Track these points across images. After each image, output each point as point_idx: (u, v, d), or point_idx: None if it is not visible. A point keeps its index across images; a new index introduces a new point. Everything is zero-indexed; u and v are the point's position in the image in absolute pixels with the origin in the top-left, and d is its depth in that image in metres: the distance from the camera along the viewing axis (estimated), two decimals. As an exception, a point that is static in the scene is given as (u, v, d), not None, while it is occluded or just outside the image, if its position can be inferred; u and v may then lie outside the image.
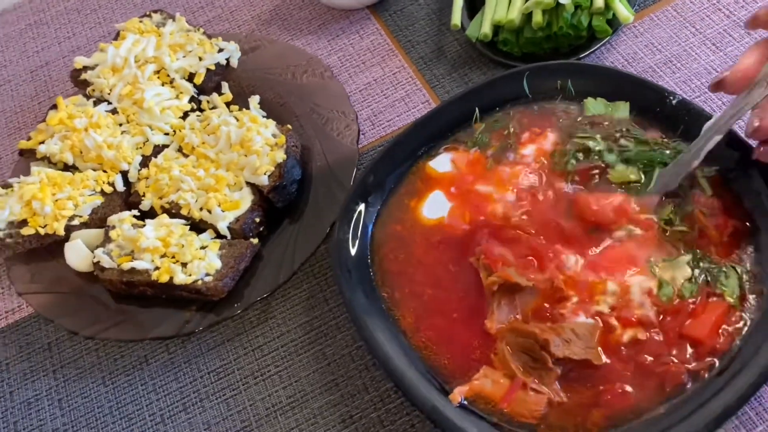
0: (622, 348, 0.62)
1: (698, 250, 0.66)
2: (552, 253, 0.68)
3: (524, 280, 0.65)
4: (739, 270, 0.65)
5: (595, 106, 0.77)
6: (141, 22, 0.95)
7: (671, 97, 0.73)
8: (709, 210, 0.67)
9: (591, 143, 0.73)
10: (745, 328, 0.62)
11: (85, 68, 0.93)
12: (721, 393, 0.58)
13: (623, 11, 0.83)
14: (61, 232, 0.80)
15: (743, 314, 0.63)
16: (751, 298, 0.64)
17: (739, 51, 0.84)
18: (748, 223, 0.67)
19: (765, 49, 0.55)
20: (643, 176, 0.70)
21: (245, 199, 0.80)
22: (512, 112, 0.79)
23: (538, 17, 0.84)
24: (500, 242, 0.69)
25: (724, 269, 0.65)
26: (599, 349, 0.62)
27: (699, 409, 0.58)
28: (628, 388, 0.61)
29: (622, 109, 0.75)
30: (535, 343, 0.63)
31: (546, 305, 0.65)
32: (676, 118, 0.72)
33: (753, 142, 0.63)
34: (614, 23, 0.85)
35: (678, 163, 0.64)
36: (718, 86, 0.57)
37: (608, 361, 0.62)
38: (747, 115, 0.59)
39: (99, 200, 0.82)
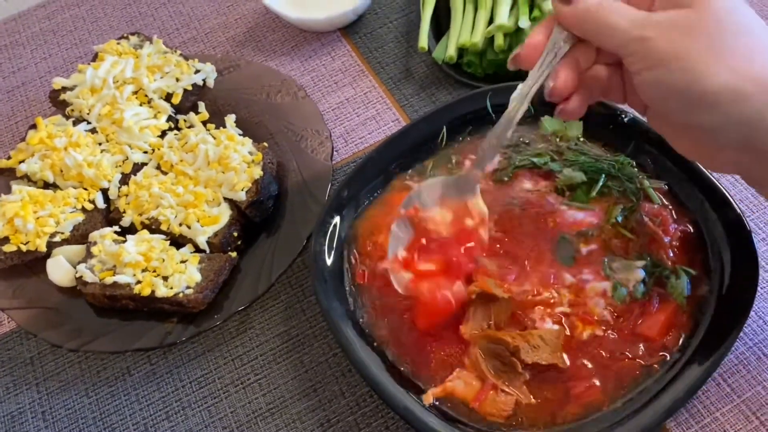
0: (583, 346, 0.67)
1: (650, 255, 0.72)
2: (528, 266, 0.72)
3: (501, 291, 0.69)
4: (686, 272, 0.70)
5: (551, 123, 0.82)
6: (119, 44, 0.98)
7: (623, 115, 0.79)
8: (658, 218, 0.73)
9: (536, 159, 0.78)
10: (691, 326, 0.68)
11: (64, 89, 0.95)
12: (671, 387, 0.63)
13: (579, 35, 0.89)
14: (43, 249, 0.82)
15: (690, 313, 0.69)
16: (696, 298, 0.69)
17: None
18: (693, 230, 0.73)
19: (548, 26, 0.59)
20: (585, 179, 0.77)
21: (223, 214, 0.83)
22: (456, 146, 0.83)
23: (500, 40, 0.89)
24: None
25: (673, 272, 0.70)
26: (564, 354, 0.67)
27: (652, 402, 0.63)
28: (594, 383, 0.66)
29: (575, 127, 0.81)
30: (506, 349, 0.67)
31: (519, 312, 0.69)
32: (627, 134, 0.78)
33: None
34: (571, 46, 0.91)
35: (493, 137, 0.65)
36: (514, 61, 0.61)
37: (568, 364, 0.67)
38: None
39: (80, 217, 0.85)
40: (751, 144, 0.52)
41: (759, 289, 0.67)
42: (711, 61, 0.50)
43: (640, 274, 0.71)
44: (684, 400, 0.62)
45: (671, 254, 0.72)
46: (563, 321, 0.69)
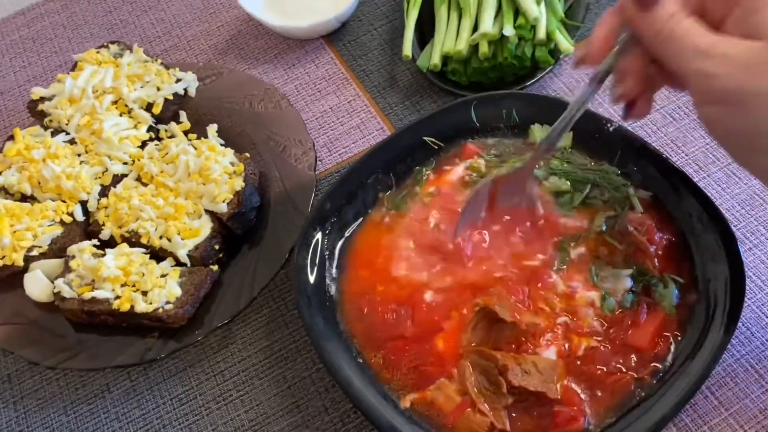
0: (578, 361, 0.66)
1: (636, 263, 0.71)
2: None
3: (508, 315, 0.68)
4: (674, 281, 0.70)
5: (540, 132, 0.81)
6: (98, 53, 0.96)
7: (608, 125, 0.78)
8: (643, 227, 0.72)
9: (518, 164, 0.78)
10: (679, 336, 0.67)
11: (42, 99, 0.94)
12: (659, 401, 0.63)
13: (564, 42, 0.88)
14: (20, 263, 0.80)
15: (679, 321, 0.68)
16: (684, 306, 0.69)
17: (671, 79, 0.90)
18: (679, 239, 0.72)
19: (615, 21, 0.57)
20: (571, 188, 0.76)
21: (204, 227, 0.81)
22: (423, 170, 0.83)
23: (484, 48, 0.88)
24: None
25: (661, 280, 0.70)
26: (557, 385, 0.65)
27: (642, 416, 0.62)
28: (580, 410, 0.64)
29: (565, 138, 0.80)
30: (495, 367, 0.66)
31: (522, 339, 0.68)
32: (613, 144, 0.77)
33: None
34: (556, 53, 0.90)
35: (557, 129, 0.66)
36: (579, 63, 0.61)
37: (559, 396, 0.65)
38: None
39: (58, 230, 0.83)
40: None
41: (746, 299, 0.66)
42: None
43: (628, 283, 0.70)
44: (673, 414, 0.61)
45: (657, 263, 0.71)
46: (562, 338, 0.68)
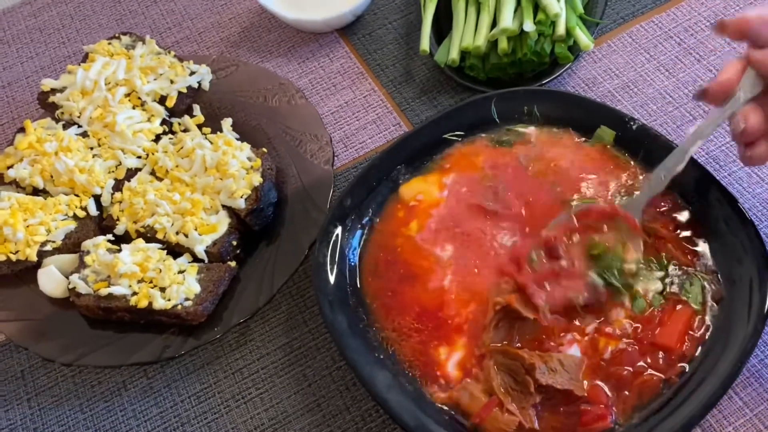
0: (605, 366, 0.66)
1: (664, 255, 0.71)
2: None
3: (529, 312, 0.67)
4: (702, 277, 0.69)
5: (607, 133, 0.79)
6: (110, 44, 0.94)
7: (631, 123, 0.77)
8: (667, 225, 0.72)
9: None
10: (707, 334, 0.67)
11: (53, 90, 0.92)
12: (687, 402, 0.62)
13: (584, 39, 0.88)
14: (34, 258, 0.79)
15: (706, 320, 0.68)
16: (712, 304, 0.68)
17: (690, 77, 0.89)
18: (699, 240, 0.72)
19: (741, 65, 0.61)
20: None
21: (222, 223, 0.80)
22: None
23: (503, 44, 0.87)
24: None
25: (688, 277, 0.69)
26: (584, 381, 0.65)
27: (669, 417, 0.62)
28: (608, 410, 0.64)
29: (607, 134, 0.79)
30: (521, 366, 0.65)
31: (543, 336, 0.67)
32: (637, 142, 0.77)
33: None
34: (575, 50, 0.90)
35: (663, 167, 0.68)
36: (701, 96, 0.63)
37: (586, 393, 0.65)
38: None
39: (72, 225, 0.82)
40: None
41: (772, 300, 0.66)
42: None
43: (659, 284, 0.69)
44: (701, 415, 0.61)
45: (682, 256, 0.71)
46: (587, 343, 0.67)
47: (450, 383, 0.67)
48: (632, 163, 0.77)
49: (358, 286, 0.75)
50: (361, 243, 0.77)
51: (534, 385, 0.64)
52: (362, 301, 0.73)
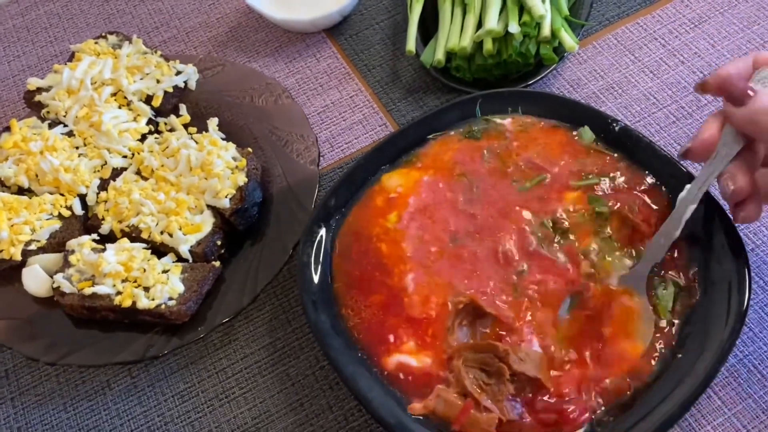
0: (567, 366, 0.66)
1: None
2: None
3: (493, 309, 0.68)
4: (675, 283, 0.69)
5: (588, 133, 0.79)
6: (96, 43, 0.94)
7: (614, 124, 0.78)
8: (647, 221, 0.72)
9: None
10: (677, 339, 0.67)
11: (39, 89, 0.92)
12: (665, 401, 0.63)
13: (568, 40, 0.88)
14: (18, 258, 0.79)
15: (674, 326, 0.68)
16: (687, 307, 0.69)
17: (674, 78, 0.90)
18: (679, 240, 0.71)
19: (720, 121, 0.63)
20: None
21: (206, 222, 0.81)
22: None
23: (489, 45, 0.88)
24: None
25: (662, 281, 0.70)
26: (550, 373, 0.65)
27: (647, 416, 0.62)
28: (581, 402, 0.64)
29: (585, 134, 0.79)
30: (494, 356, 0.65)
31: (503, 333, 0.68)
32: (618, 143, 0.77)
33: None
34: (560, 51, 0.90)
35: (661, 235, 0.69)
36: (685, 155, 0.65)
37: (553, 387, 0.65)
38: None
39: (57, 224, 0.82)
40: None
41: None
42: None
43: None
44: (679, 415, 0.61)
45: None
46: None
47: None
48: (611, 155, 0.78)
49: (341, 283, 0.75)
50: (339, 238, 0.77)
51: (509, 372, 0.64)
52: (344, 301, 0.74)
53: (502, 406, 0.64)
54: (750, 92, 0.59)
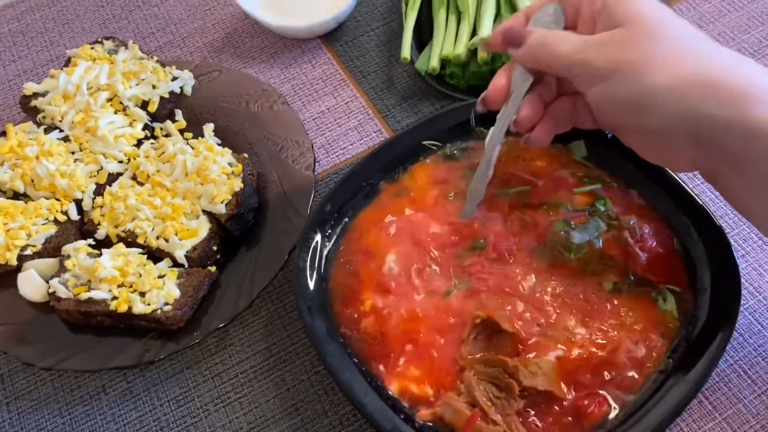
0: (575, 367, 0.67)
1: (632, 272, 0.72)
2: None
3: (509, 326, 0.68)
4: (672, 291, 0.70)
5: (580, 148, 0.80)
6: (93, 48, 0.95)
7: (607, 132, 0.79)
8: (636, 234, 0.73)
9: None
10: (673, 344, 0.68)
11: (35, 94, 0.92)
12: (656, 407, 0.63)
13: (561, 48, 0.89)
14: (14, 262, 0.79)
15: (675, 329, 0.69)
16: (680, 314, 0.69)
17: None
18: (671, 248, 0.73)
19: (508, 67, 0.68)
20: None
21: (202, 228, 0.81)
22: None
23: (483, 53, 0.89)
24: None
25: (660, 293, 0.70)
26: (561, 384, 0.66)
27: (639, 422, 0.63)
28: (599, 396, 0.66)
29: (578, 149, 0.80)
30: (504, 371, 0.66)
31: (520, 347, 0.68)
32: (608, 152, 0.78)
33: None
34: (553, 59, 0.91)
35: (477, 178, 0.72)
36: (483, 103, 0.69)
37: (571, 395, 0.66)
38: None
39: (53, 229, 0.82)
40: (698, 138, 0.55)
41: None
42: (645, 68, 0.55)
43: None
44: (671, 420, 0.62)
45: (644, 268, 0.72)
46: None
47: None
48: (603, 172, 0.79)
49: (337, 289, 0.75)
50: (336, 243, 0.78)
51: (518, 388, 0.64)
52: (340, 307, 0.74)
53: (510, 420, 0.64)
54: (526, 33, 0.64)
